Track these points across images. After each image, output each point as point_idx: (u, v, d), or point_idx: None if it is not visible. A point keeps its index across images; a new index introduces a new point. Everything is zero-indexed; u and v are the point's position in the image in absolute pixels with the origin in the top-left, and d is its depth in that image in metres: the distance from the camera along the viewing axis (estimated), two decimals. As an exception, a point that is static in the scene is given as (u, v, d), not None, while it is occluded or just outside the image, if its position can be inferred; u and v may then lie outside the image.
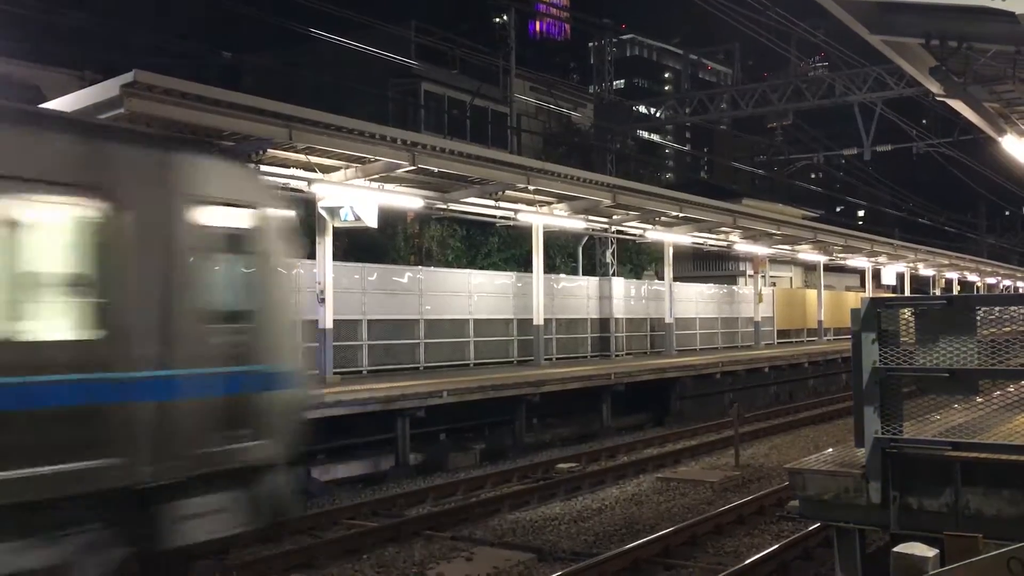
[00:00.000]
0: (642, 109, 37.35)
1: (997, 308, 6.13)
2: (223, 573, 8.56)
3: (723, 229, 26.55)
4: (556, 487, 12.94)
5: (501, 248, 28.01)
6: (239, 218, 7.37)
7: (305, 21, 22.30)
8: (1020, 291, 51.04)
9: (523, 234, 23.99)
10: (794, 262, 39.37)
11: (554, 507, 11.88)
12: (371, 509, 11.62)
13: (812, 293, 38.05)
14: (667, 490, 12.92)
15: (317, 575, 9.00)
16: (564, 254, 29.23)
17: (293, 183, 15.11)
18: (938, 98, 12.49)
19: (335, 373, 16.24)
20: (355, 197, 15.75)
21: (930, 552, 4.14)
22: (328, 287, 16.20)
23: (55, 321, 6.26)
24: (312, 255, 16.25)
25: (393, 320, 19.02)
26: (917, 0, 9.59)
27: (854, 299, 33.84)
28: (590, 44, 56.76)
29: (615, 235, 26.56)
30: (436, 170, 16.10)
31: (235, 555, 8.94)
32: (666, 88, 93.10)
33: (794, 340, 35.91)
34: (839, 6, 9.41)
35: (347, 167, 15.43)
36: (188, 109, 11.66)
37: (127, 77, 10.89)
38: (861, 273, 42.76)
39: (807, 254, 33.76)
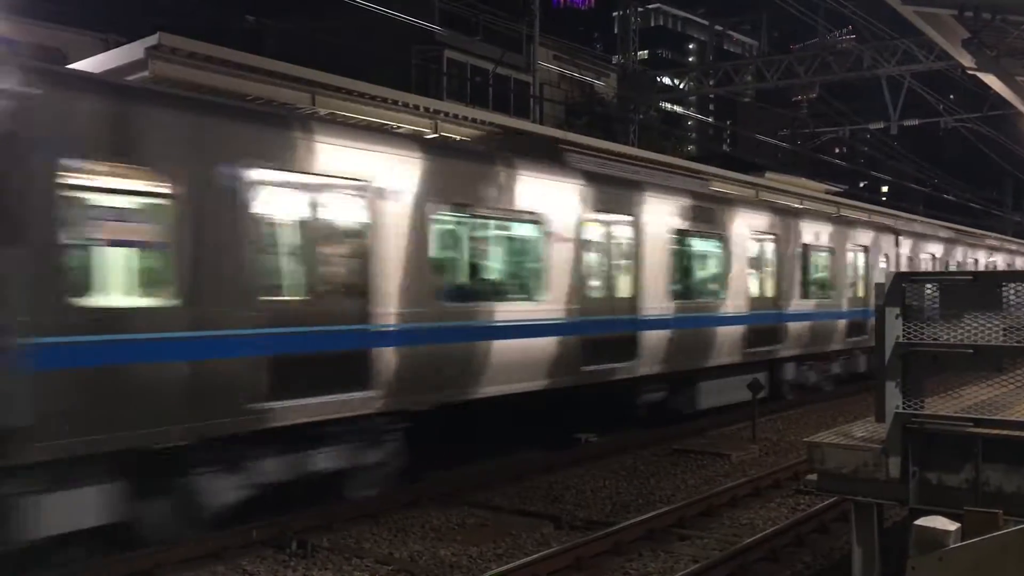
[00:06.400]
0: (666, 80, 36.91)
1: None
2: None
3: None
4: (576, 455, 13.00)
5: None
6: None
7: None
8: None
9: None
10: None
11: (571, 475, 11.96)
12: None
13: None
14: (684, 462, 12.98)
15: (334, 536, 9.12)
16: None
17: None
18: (969, 71, 12.32)
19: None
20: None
21: (952, 526, 4.13)
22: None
23: None
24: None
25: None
26: (951, -29, 9.43)
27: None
28: (614, 13, 56.04)
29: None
30: (458, 138, 16.04)
31: (255, 520, 9.01)
32: (690, 59, 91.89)
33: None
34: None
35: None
36: (212, 73, 11.64)
37: (152, 40, 10.88)
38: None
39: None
